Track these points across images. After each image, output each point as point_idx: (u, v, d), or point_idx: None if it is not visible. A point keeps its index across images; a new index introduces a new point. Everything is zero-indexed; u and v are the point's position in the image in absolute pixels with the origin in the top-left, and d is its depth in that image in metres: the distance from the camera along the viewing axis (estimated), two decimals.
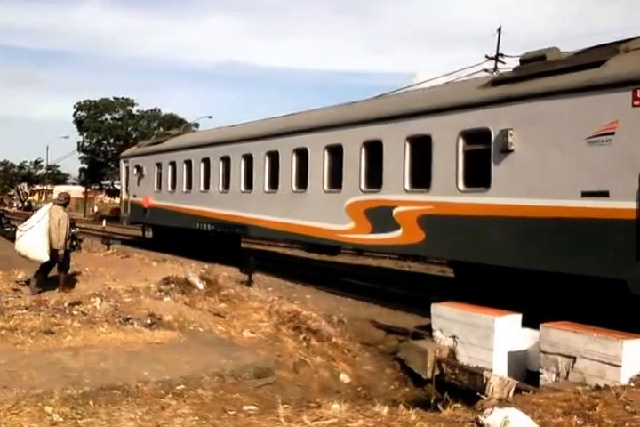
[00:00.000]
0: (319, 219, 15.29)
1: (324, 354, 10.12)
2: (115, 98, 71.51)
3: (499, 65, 23.19)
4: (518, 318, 9.71)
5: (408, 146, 12.94)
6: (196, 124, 61.10)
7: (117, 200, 50.14)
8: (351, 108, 15.88)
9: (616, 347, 7.97)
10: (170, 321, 9.71)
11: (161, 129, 71.09)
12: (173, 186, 23.35)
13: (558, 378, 8.51)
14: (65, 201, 12.07)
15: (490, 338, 9.54)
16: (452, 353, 10.17)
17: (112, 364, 7.37)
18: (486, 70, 17.55)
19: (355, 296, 14.48)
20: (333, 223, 14.74)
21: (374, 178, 13.80)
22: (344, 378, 9.80)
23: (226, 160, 19.85)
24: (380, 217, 13.43)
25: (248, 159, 18.66)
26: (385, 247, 13.97)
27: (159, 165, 24.62)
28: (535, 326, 9.17)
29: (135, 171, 26.46)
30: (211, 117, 68.37)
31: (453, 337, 10.18)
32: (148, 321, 9.61)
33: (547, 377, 8.65)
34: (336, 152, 15.02)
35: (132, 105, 71.83)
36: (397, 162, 13.13)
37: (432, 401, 8.87)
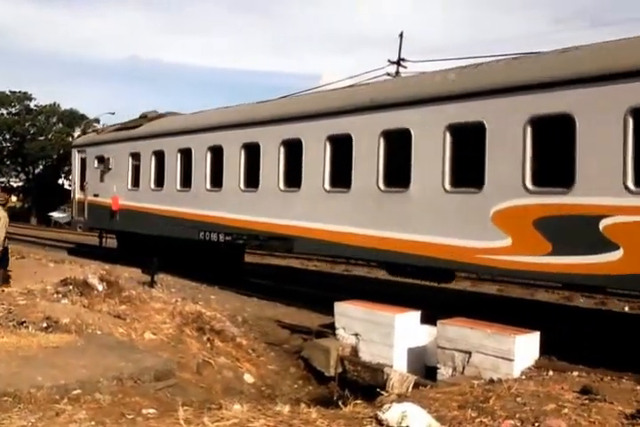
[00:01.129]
0: (437, 231, 10.59)
1: (228, 355, 10.04)
2: (11, 91, 68.08)
3: (400, 69, 23.88)
4: (417, 314, 10.00)
5: None
6: (97, 120, 59.04)
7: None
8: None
9: (509, 342, 8.35)
10: (67, 324, 9.35)
11: (60, 125, 68.29)
12: (159, 183, 17.96)
13: (455, 373, 8.82)
14: (4, 201, 12.97)
15: (390, 335, 9.77)
16: (355, 351, 10.34)
17: (3, 369, 7.04)
18: (389, 74, 17.94)
19: (260, 296, 14.46)
20: (467, 238, 10.09)
21: (556, 171, 9.34)
22: (248, 378, 9.76)
23: (252, 148, 14.61)
24: (572, 231, 8.95)
25: (293, 146, 13.55)
26: (585, 278, 8.90)
27: (135, 155, 19.17)
28: (434, 323, 9.47)
29: (96, 163, 21.13)
30: (113, 114, 66.41)
31: (356, 335, 10.36)
32: (44, 324, 9.23)
33: (444, 372, 8.95)
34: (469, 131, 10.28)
35: (30, 99, 68.62)
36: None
37: (335, 399, 8.98)
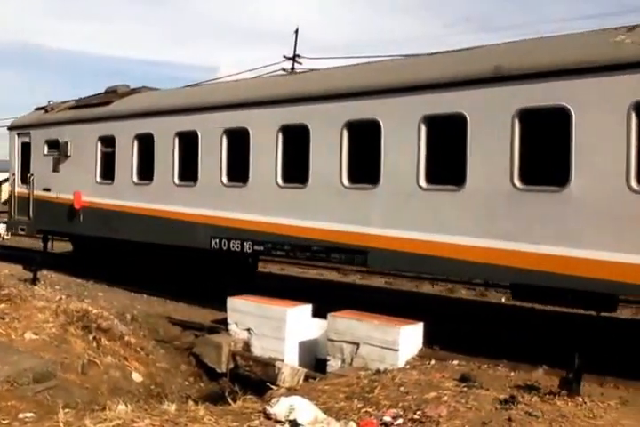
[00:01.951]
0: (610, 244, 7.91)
1: (115, 354, 9.77)
2: None
3: (296, 65, 24.00)
4: (308, 308, 10.13)
5: None
6: None
7: None
8: None
9: (394, 333, 8.63)
10: None
11: None
12: (146, 175, 14.11)
13: (344, 364, 9.02)
14: None
15: (282, 329, 9.85)
16: (247, 346, 10.35)
17: None
18: (284, 69, 17.98)
19: (150, 292, 14.14)
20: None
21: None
22: (136, 377, 9.54)
23: (297, 131, 11.23)
24: None
25: (364, 129, 10.40)
26: None
27: (107, 140, 15.25)
28: (325, 316, 9.63)
29: (46, 149, 17.06)
30: None
31: (248, 330, 10.36)
32: None
33: (334, 364, 9.13)
34: None
35: None
36: None
37: (226, 395, 8.96)
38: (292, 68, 22.97)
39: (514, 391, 7.01)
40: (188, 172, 13.19)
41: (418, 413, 6.29)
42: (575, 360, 6.99)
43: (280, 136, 11.54)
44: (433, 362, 8.48)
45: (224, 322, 10.84)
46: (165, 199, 13.60)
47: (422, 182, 9.59)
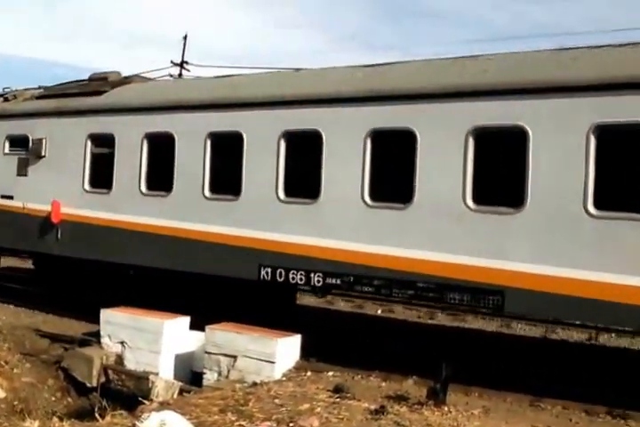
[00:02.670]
0: None
1: None
2: None
3: (183, 72, 23.76)
4: (186, 320, 9.97)
5: None
6: None
7: None
8: None
9: (272, 345, 8.67)
10: None
11: None
12: (162, 184, 11.17)
13: (220, 377, 8.94)
14: None
15: (158, 342, 9.62)
16: (120, 359, 10.01)
17: None
18: (171, 75, 17.75)
19: (17, 303, 13.38)
20: None
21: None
22: None
23: (395, 135, 9.07)
24: None
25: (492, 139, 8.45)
26: None
27: (101, 138, 12.23)
28: (203, 328, 9.49)
29: (7, 147, 13.80)
30: None
31: (122, 343, 10.03)
32: None
33: (210, 377, 9.02)
34: None
35: None
36: None
37: (95, 410, 8.62)
38: (180, 74, 22.71)
39: (384, 402, 7.25)
40: (226, 182, 10.49)
41: (291, 425, 6.34)
42: (442, 371, 7.32)
43: (368, 145, 9.18)
44: (309, 374, 8.59)
45: (97, 335, 10.45)
46: (190, 215, 10.72)
47: (590, 206, 7.63)
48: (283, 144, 9.87)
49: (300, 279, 9.60)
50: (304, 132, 9.75)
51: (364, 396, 7.46)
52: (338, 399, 7.25)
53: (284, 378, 8.45)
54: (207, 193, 10.62)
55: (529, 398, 7.71)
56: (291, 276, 9.66)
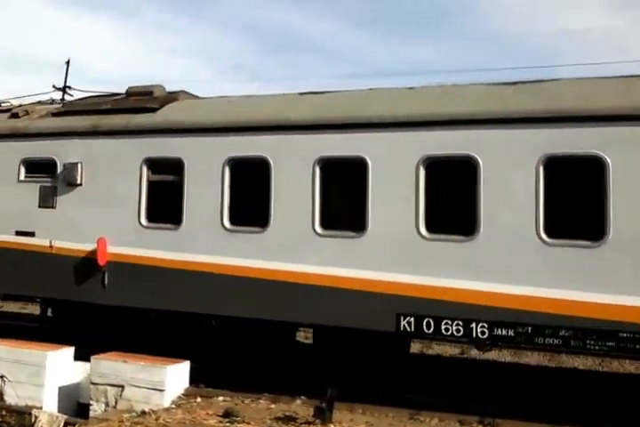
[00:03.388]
0: None
1: None
2: None
3: (66, 96, 23.20)
4: (70, 351, 9.74)
5: None
6: None
7: None
8: None
9: (160, 373, 8.66)
10: None
11: None
12: (255, 217, 9.51)
13: (108, 408, 8.81)
14: None
15: (40, 374, 9.33)
16: (0, 394, 9.63)
17: None
18: (53, 100, 17.28)
19: None
20: None
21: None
22: None
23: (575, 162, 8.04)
24: None
25: None
26: None
27: (165, 164, 10.21)
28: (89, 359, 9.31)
29: (23, 173, 11.27)
30: None
31: (1, 377, 9.66)
32: None
33: (97, 408, 8.86)
34: None
35: None
36: None
37: None
38: (62, 99, 22.14)
39: (273, 423, 7.47)
40: (346, 214, 9.21)
41: None
42: (328, 391, 7.66)
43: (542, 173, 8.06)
44: (199, 400, 8.65)
45: None
46: (296, 255, 9.12)
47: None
48: (422, 172, 8.57)
49: (457, 330, 8.29)
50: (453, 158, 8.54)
51: (254, 419, 7.65)
52: (228, 424, 7.39)
53: (173, 405, 8.47)
54: (318, 228, 9.04)
55: (409, 412, 8.16)
56: (443, 327, 8.32)
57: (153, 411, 8.07)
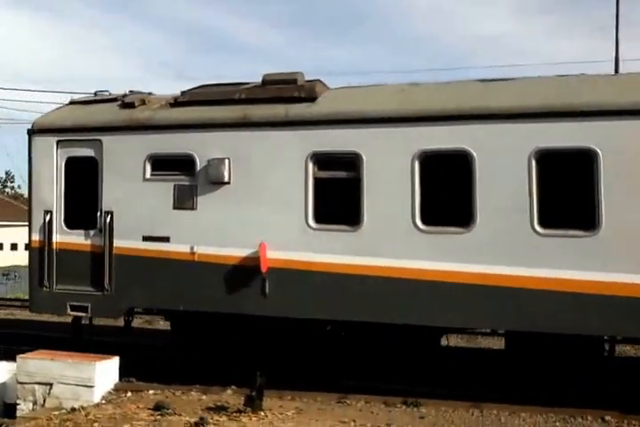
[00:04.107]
0: None
1: None
2: None
3: None
4: None
5: None
6: None
7: None
8: None
9: (89, 369, 8.63)
10: None
11: None
12: (455, 215, 8.57)
13: (36, 407, 8.72)
14: None
15: None
16: None
17: None
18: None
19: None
20: None
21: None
22: None
23: None
24: None
25: None
26: None
27: (337, 159, 9.16)
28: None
29: (149, 170, 9.86)
30: None
31: None
32: None
33: (24, 407, 8.74)
34: None
35: None
36: None
37: None
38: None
39: (205, 413, 7.60)
40: (572, 211, 8.16)
41: None
42: (257, 379, 7.85)
43: None
44: (129, 394, 8.67)
45: None
46: (514, 257, 8.17)
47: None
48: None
49: None
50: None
51: (185, 410, 7.76)
52: (159, 417, 7.48)
53: (103, 401, 8.46)
54: (538, 228, 8.10)
55: (337, 396, 8.45)
56: None
57: (82, 407, 8.05)
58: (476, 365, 10.01)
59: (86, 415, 7.56)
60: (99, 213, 9.91)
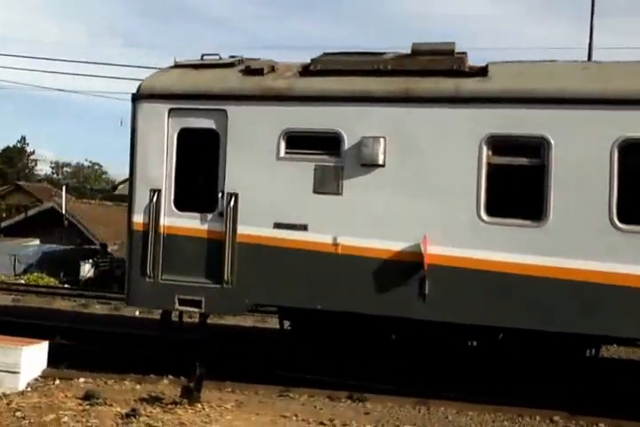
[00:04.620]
0: None
1: None
2: None
3: None
4: None
5: None
6: None
7: None
8: None
9: (15, 354, 8.05)
10: None
11: None
12: None
13: None
14: None
15: None
16: None
17: None
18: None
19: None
20: None
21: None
22: None
23: None
24: None
25: None
26: None
27: (516, 144, 8.01)
28: None
29: (283, 148, 8.56)
30: None
31: None
32: None
33: None
34: None
35: None
36: None
37: None
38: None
39: (137, 404, 7.15)
40: None
41: None
42: (196, 369, 7.43)
43: None
44: (57, 382, 8.14)
45: None
46: None
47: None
48: None
49: None
50: None
51: (117, 400, 7.29)
52: (87, 406, 6.99)
53: (28, 389, 7.90)
54: None
55: (279, 389, 8.10)
56: None
57: (5, 395, 7.47)
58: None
59: (8, 404, 7.00)
60: (220, 195, 8.59)
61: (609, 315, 7.45)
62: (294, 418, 7.11)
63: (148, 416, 6.71)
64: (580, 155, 7.64)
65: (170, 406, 7.15)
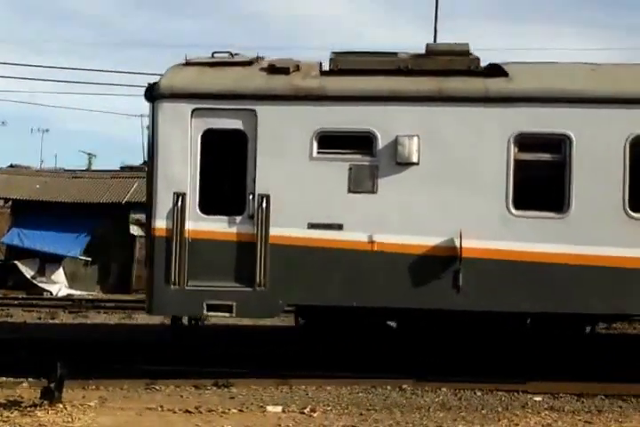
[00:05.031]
0: None
1: None
2: None
3: None
4: None
5: None
6: None
7: None
8: None
9: None
10: None
11: None
12: None
13: None
14: None
15: None
16: None
17: None
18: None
19: None
20: None
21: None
22: None
23: None
24: None
25: None
26: None
27: (541, 141, 8.57)
28: None
29: (315, 147, 8.52)
30: None
31: None
32: None
33: None
34: None
35: None
36: None
37: None
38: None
39: None
40: None
41: None
42: (57, 369, 7.31)
43: None
44: None
45: None
46: None
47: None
48: None
49: None
50: None
51: None
52: None
53: None
54: None
55: (145, 382, 8.15)
56: None
57: None
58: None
59: None
60: (250, 197, 8.47)
61: (626, 295, 8.23)
62: (159, 409, 7.17)
63: (4, 422, 6.53)
64: (598, 150, 8.30)
65: (29, 408, 6.99)
